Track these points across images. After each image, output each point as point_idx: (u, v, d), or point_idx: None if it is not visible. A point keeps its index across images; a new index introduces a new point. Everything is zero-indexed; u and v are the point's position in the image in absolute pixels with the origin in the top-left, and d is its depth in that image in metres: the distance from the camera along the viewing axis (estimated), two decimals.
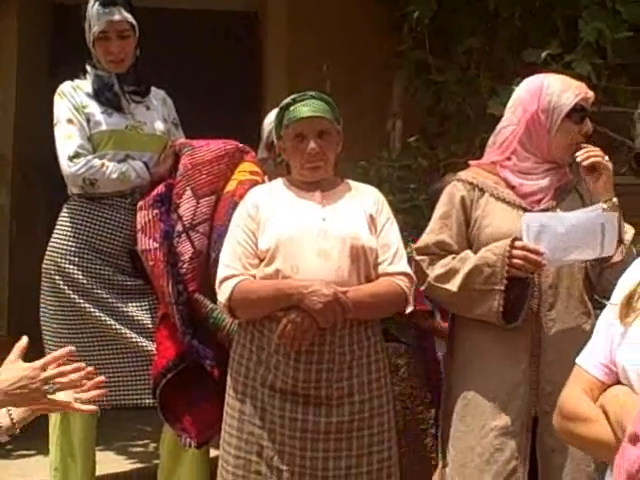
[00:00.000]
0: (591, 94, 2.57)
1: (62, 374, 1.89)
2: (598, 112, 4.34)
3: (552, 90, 2.53)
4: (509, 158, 2.58)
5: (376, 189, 2.68)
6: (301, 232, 2.44)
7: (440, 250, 2.55)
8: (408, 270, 2.53)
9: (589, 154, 2.49)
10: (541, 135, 2.54)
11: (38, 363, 1.89)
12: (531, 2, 4.23)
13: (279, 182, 2.65)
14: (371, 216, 2.54)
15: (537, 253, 2.37)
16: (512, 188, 2.56)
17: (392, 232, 2.56)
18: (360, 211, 2.54)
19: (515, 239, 2.41)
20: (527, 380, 2.46)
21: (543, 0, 4.20)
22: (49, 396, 1.90)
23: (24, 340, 1.96)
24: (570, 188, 2.61)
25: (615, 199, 2.48)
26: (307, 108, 2.50)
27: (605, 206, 2.45)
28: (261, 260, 2.48)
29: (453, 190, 2.61)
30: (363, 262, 2.46)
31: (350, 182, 2.66)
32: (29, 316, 3.40)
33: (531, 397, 2.46)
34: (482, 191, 2.57)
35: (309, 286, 2.35)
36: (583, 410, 1.68)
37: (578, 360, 1.78)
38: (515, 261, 2.39)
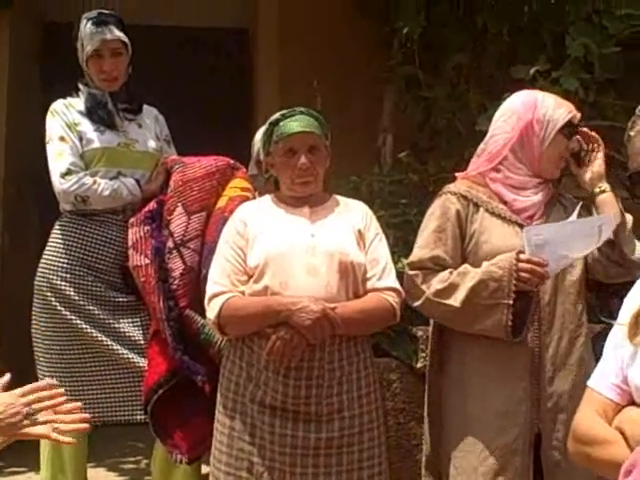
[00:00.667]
0: (579, 115, 2.63)
1: (40, 400, 1.87)
2: (586, 127, 4.39)
3: (547, 104, 2.57)
4: (498, 170, 2.58)
5: (364, 204, 2.70)
6: (290, 248, 2.45)
7: (434, 265, 2.51)
8: (397, 285, 2.54)
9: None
10: (534, 145, 2.56)
11: (17, 391, 1.88)
12: (519, 18, 4.26)
13: (267, 199, 2.66)
14: (359, 231, 2.55)
15: (541, 265, 2.39)
16: (505, 203, 2.57)
17: (380, 247, 2.57)
18: (348, 226, 2.55)
19: (519, 252, 2.42)
20: (528, 397, 2.46)
21: (531, 16, 4.23)
22: (28, 428, 1.87)
23: (7, 377, 1.94)
24: (554, 201, 2.64)
25: (607, 185, 2.54)
26: (297, 123, 2.52)
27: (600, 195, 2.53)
28: (250, 277, 2.48)
29: (446, 203, 2.55)
30: (352, 278, 2.47)
31: (338, 198, 2.68)
32: (20, 329, 3.39)
33: (532, 414, 2.46)
34: (477, 206, 2.56)
35: (297, 302, 2.35)
36: (599, 432, 1.66)
37: (589, 383, 1.75)
38: (522, 275, 2.39)
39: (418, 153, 4.51)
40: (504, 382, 2.47)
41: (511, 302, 2.39)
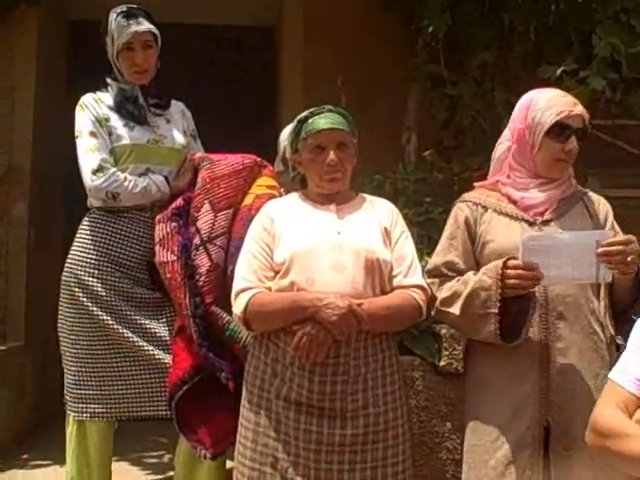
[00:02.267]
0: (579, 111, 2.53)
1: None
2: (613, 125, 4.37)
3: (538, 107, 2.54)
4: (509, 175, 2.61)
5: (390, 202, 2.71)
6: (316, 245, 2.45)
7: (449, 271, 2.57)
8: (423, 283, 2.54)
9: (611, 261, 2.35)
10: (526, 151, 2.57)
11: None
12: (546, 16, 4.24)
13: (294, 196, 2.67)
14: (385, 229, 2.56)
15: (531, 269, 2.37)
16: (514, 203, 2.59)
17: (407, 245, 2.58)
18: (375, 224, 2.56)
19: (508, 259, 2.41)
20: (537, 390, 2.46)
21: (558, 14, 4.21)
22: None
23: None
24: (576, 199, 2.62)
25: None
26: (325, 120, 2.54)
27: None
28: (276, 273, 2.49)
29: (457, 212, 2.65)
30: (378, 275, 2.48)
31: (365, 196, 2.69)
32: (46, 325, 3.42)
33: (542, 407, 2.45)
34: (485, 208, 2.60)
35: (324, 298, 2.36)
36: (620, 426, 1.66)
37: (612, 375, 1.75)
38: (509, 282, 2.39)
39: (443, 152, 4.50)
40: (513, 375, 2.48)
41: (496, 311, 2.40)
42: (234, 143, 3.32)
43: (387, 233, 2.56)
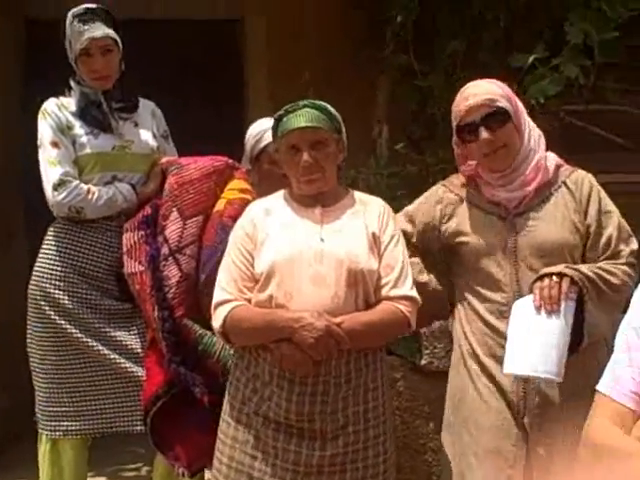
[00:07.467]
0: (473, 102, 2.44)
1: None
2: (587, 110, 4.33)
3: (455, 103, 2.51)
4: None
5: (382, 202, 2.55)
6: (297, 255, 2.33)
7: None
8: (412, 293, 2.40)
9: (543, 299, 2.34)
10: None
11: None
12: (515, 3, 4.18)
13: (279, 195, 2.53)
14: (374, 234, 2.41)
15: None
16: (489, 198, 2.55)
17: (396, 251, 2.43)
18: (362, 229, 2.41)
19: None
20: (514, 391, 2.43)
21: (527, 1, 4.14)
22: None
23: None
24: (558, 184, 2.53)
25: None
26: (299, 119, 2.39)
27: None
28: (257, 282, 2.38)
29: (436, 190, 2.66)
30: (362, 287, 2.35)
31: (356, 194, 2.54)
32: (12, 337, 3.32)
33: (520, 408, 2.42)
34: (461, 199, 2.58)
35: (300, 319, 2.24)
36: (619, 444, 1.57)
37: (600, 388, 1.67)
38: None
39: (415, 143, 4.42)
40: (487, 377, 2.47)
41: None
42: (202, 139, 3.18)
43: (375, 239, 2.41)
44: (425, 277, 2.64)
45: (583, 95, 4.12)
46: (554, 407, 2.40)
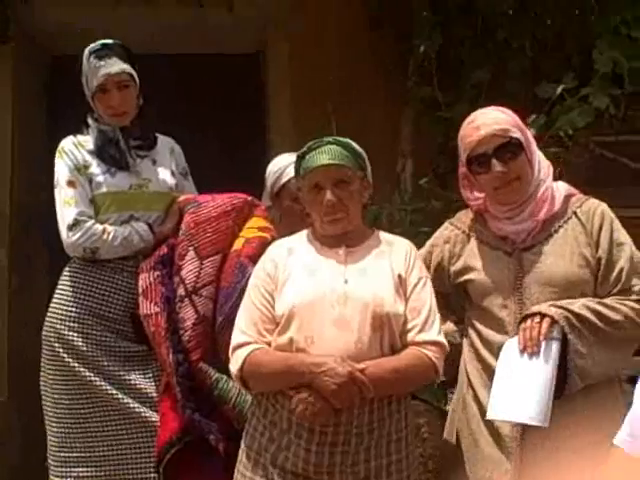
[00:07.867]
0: (485, 132, 2.38)
1: None
2: (617, 142, 4.21)
3: (460, 136, 2.46)
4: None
5: (409, 242, 2.46)
6: (320, 297, 2.24)
7: None
8: (439, 338, 2.29)
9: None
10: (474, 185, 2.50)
11: None
12: (542, 31, 4.08)
13: (302, 235, 2.45)
14: (400, 276, 2.31)
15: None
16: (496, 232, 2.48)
17: (423, 294, 2.32)
18: (387, 271, 2.31)
19: None
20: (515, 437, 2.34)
21: (554, 29, 4.05)
22: None
23: None
24: (567, 216, 2.43)
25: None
26: (323, 156, 2.31)
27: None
28: (278, 324, 2.28)
29: (442, 231, 2.62)
30: (387, 331, 2.24)
31: (382, 235, 2.45)
32: (29, 377, 3.25)
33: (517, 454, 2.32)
34: (468, 236, 2.51)
35: (322, 364, 2.14)
36: None
37: (619, 443, 1.57)
38: None
39: (440, 177, 4.31)
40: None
41: None
42: (224, 173, 3.10)
43: (401, 281, 2.31)
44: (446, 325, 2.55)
45: (613, 125, 4.01)
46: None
